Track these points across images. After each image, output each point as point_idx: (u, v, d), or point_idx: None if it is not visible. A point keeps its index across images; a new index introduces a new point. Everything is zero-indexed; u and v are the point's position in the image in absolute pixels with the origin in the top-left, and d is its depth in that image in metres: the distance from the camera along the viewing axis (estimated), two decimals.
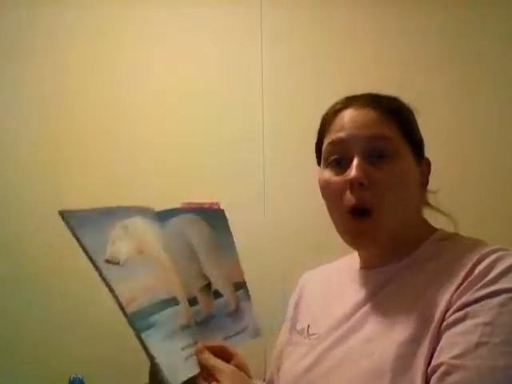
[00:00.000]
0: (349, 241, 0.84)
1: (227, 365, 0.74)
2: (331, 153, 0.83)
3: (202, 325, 0.77)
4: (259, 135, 1.84)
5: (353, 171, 0.79)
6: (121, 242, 0.70)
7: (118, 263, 0.69)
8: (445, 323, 0.70)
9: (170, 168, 1.83)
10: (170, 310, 0.71)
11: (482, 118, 1.73)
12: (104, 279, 0.66)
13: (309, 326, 0.89)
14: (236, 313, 0.84)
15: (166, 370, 0.67)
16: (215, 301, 0.81)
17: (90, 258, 0.66)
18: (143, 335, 0.67)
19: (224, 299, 0.83)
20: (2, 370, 1.72)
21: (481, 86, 1.76)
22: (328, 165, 0.84)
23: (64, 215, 0.67)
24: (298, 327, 0.92)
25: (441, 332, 0.70)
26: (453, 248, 0.80)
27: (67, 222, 0.67)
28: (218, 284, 0.82)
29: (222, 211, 0.87)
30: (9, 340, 1.76)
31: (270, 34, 1.87)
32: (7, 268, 1.78)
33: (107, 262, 0.68)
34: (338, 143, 0.82)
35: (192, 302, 0.77)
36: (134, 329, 0.67)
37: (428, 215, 0.89)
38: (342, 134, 0.82)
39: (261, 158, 1.83)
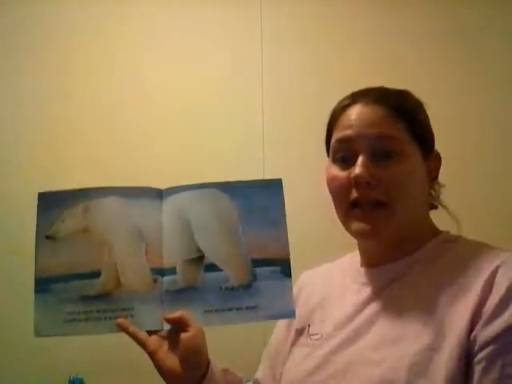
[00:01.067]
0: (354, 232, 0.83)
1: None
2: (338, 150, 0.84)
3: (174, 293, 0.83)
4: (259, 135, 1.84)
5: (357, 169, 0.79)
6: (70, 220, 0.85)
7: (55, 239, 0.84)
8: (481, 355, 0.70)
9: (169, 168, 1.83)
10: (81, 282, 0.83)
11: (485, 117, 1.73)
12: (35, 249, 0.83)
13: (309, 325, 0.89)
14: (240, 289, 0.83)
15: (36, 320, 0.83)
16: (208, 274, 0.84)
17: (36, 233, 0.84)
18: (36, 295, 0.83)
19: (222, 274, 0.84)
20: (2, 370, 1.72)
21: (483, 85, 1.76)
22: (335, 160, 0.84)
23: (38, 196, 0.85)
24: (298, 326, 0.91)
25: (473, 359, 0.70)
26: (459, 251, 0.80)
27: (38, 202, 0.85)
28: (216, 258, 0.84)
29: (277, 182, 0.87)
30: (9, 339, 1.76)
31: (270, 34, 1.87)
32: (8, 268, 1.78)
33: (47, 237, 0.84)
34: (344, 141, 0.83)
35: (167, 272, 0.84)
36: (34, 290, 0.83)
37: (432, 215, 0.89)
38: (349, 132, 0.82)
39: (261, 157, 1.82)
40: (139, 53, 1.89)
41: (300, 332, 0.90)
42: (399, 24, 1.82)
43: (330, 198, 0.85)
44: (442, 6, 1.80)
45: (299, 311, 0.93)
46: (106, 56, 1.88)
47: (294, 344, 0.90)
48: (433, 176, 0.86)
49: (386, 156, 0.80)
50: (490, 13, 1.78)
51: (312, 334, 0.87)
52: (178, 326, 0.80)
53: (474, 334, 0.71)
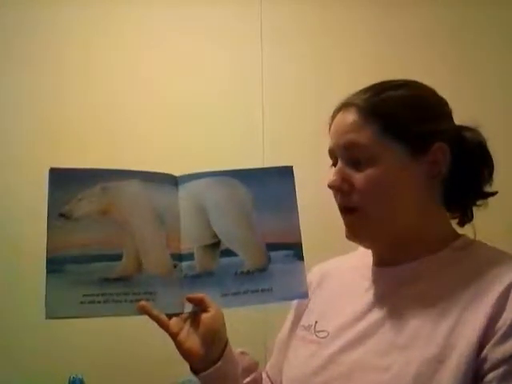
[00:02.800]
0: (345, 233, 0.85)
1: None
2: (330, 158, 0.87)
3: (192, 279, 0.86)
4: (259, 135, 1.84)
5: (331, 177, 0.82)
6: (88, 201, 0.83)
7: (69, 218, 0.81)
8: (492, 375, 0.69)
9: (169, 168, 1.83)
10: (100, 264, 0.82)
11: (485, 117, 1.72)
12: (47, 227, 0.80)
13: (316, 322, 0.88)
14: (256, 272, 0.87)
15: (48, 301, 0.78)
16: (223, 259, 0.87)
17: (48, 210, 0.80)
18: (48, 276, 0.79)
19: (237, 259, 0.87)
20: (2, 370, 1.72)
21: (484, 85, 1.76)
22: (332, 166, 0.87)
23: (50, 171, 0.82)
24: (305, 322, 0.91)
25: (482, 378, 0.69)
26: (474, 259, 0.79)
27: (49, 177, 0.81)
28: (232, 244, 0.88)
29: (288, 169, 0.92)
30: (9, 339, 1.76)
31: (270, 34, 1.87)
32: (7, 268, 1.78)
33: (60, 215, 0.81)
34: (330, 151, 0.86)
35: (186, 257, 0.86)
36: (46, 270, 0.79)
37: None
38: (330, 144, 0.85)
39: (261, 157, 1.82)
40: (139, 52, 1.89)
41: (307, 328, 0.89)
42: (399, 23, 1.82)
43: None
44: (444, 6, 1.80)
45: (308, 306, 0.93)
46: (106, 56, 1.88)
47: (299, 339, 0.90)
48: (434, 173, 0.80)
49: (358, 163, 0.80)
50: (490, 13, 1.79)
51: (318, 331, 0.86)
52: (199, 307, 0.83)
53: (485, 352, 0.69)
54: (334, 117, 0.85)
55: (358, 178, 0.80)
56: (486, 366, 0.69)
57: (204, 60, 1.88)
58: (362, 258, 0.91)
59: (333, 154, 0.85)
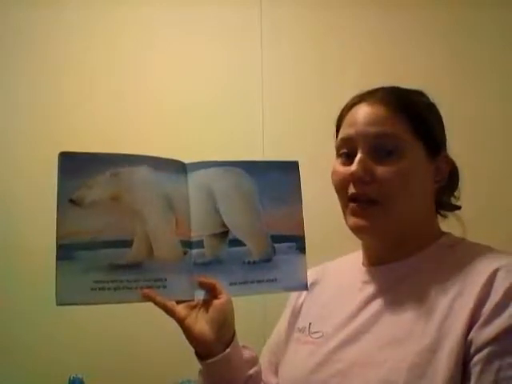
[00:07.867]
0: (350, 226, 0.85)
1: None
2: (342, 147, 0.86)
3: (202, 266, 0.86)
4: (259, 135, 1.84)
5: (353, 166, 0.81)
6: (98, 187, 0.81)
7: (80, 204, 0.80)
8: (478, 357, 0.70)
9: None
10: (110, 250, 0.81)
11: (486, 116, 1.73)
12: (57, 213, 0.79)
13: (310, 324, 0.89)
14: (261, 262, 0.88)
15: (58, 288, 0.78)
16: (231, 248, 0.89)
17: (57, 195, 0.79)
18: (59, 262, 0.78)
19: (245, 248, 0.88)
20: (2, 370, 1.72)
21: (484, 86, 1.76)
22: (339, 156, 0.87)
23: (60, 155, 0.80)
24: (300, 325, 0.92)
25: (470, 361, 0.71)
26: (461, 255, 0.81)
27: (59, 162, 0.79)
28: (240, 234, 0.89)
29: (294, 164, 0.91)
30: (9, 339, 1.76)
31: (270, 34, 1.87)
32: (7, 268, 1.78)
33: (71, 201, 0.80)
34: (347, 139, 0.85)
35: (195, 244, 0.87)
36: (56, 257, 0.78)
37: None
38: (351, 131, 0.84)
39: (261, 157, 1.82)
40: (138, 52, 1.89)
41: (302, 330, 0.90)
42: (400, 24, 1.82)
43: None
44: (445, 7, 1.81)
45: (303, 308, 0.94)
46: (106, 56, 1.88)
47: (294, 341, 0.91)
48: (439, 178, 0.86)
49: (385, 154, 0.81)
50: (490, 13, 1.79)
51: (313, 332, 0.87)
52: (210, 293, 0.84)
53: (470, 336, 0.71)
54: (350, 108, 0.87)
55: (383, 169, 0.81)
56: (472, 349, 0.71)
57: (204, 60, 1.88)
58: (354, 260, 0.93)
59: (350, 143, 0.84)
